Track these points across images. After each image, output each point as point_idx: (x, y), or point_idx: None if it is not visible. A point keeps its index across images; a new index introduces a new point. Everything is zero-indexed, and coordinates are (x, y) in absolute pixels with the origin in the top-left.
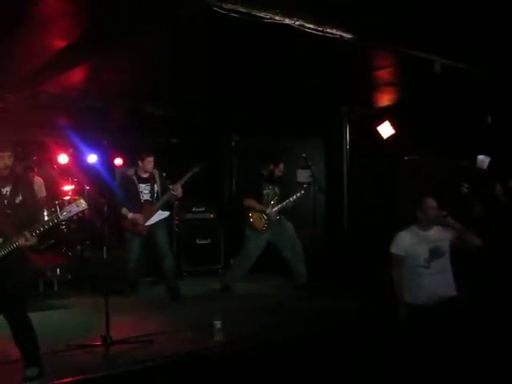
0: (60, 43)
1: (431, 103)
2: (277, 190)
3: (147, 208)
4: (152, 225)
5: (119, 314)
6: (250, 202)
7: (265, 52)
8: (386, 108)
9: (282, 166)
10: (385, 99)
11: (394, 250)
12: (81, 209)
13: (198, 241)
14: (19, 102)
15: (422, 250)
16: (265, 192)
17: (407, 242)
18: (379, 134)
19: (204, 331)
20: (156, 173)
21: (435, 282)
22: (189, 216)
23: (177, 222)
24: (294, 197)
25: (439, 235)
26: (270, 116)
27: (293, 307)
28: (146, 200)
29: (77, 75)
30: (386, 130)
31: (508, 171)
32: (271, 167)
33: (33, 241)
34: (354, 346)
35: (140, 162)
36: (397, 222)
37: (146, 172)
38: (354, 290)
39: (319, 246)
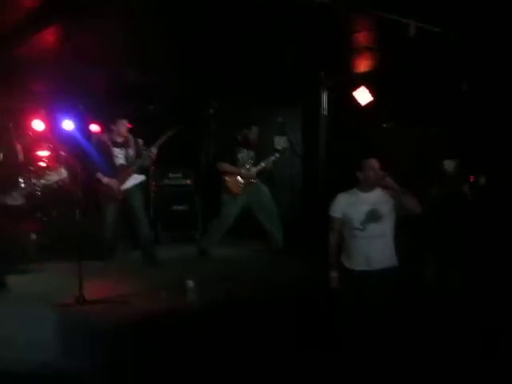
0: (31, 3)
1: (408, 69)
2: (251, 154)
3: (122, 172)
4: (127, 189)
5: (95, 277)
6: (225, 166)
7: (240, 16)
8: (364, 74)
9: (255, 129)
10: (362, 65)
11: (331, 212)
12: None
13: (174, 207)
14: None
15: (359, 212)
16: (239, 156)
17: (345, 203)
18: (357, 101)
19: (178, 292)
20: (130, 137)
21: (369, 246)
22: (165, 182)
23: (153, 188)
24: (269, 160)
25: (379, 198)
26: (248, 83)
27: (264, 272)
28: (120, 164)
29: (50, 37)
30: (363, 96)
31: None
32: (245, 131)
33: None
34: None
35: (114, 126)
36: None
37: (120, 136)
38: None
39: (296, 210)
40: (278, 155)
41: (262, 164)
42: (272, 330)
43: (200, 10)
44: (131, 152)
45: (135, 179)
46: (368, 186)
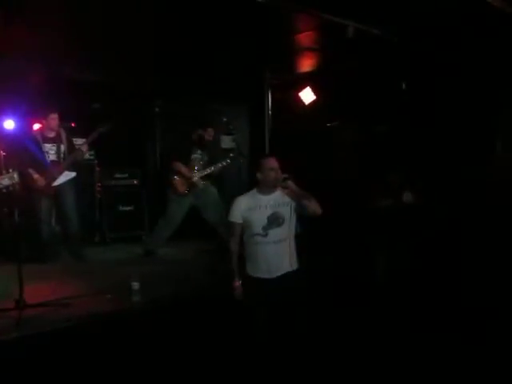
0: None
1: (350, 69)
2: (205, 155)
3: (53, 168)
4: (60, 186)
5: (36, 279)
6: (177, 166)
7: (188, 13)
8: (308, 74)
9: (211, 130)
10: (306, 65)
11: (230, 217)
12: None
13: (121, 207)
14: None
15: (260, 217)
16: (192, 157)
17: (245, 207)
18: (301, 101)
19: (122, 293)
20: (62, 132)
21: (271, 252)
22: (111, 182)
23: (99, 189)
24: (219, 165)
25: (281, 200)
26: (195, 81)
27: (208, 271)
28: (52, 160)
29: None
30: (307, 95)
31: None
32: (200, 132)
33: None
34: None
35: (44, 121)
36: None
37: (51, 131)
38: None
39: None
40: (228, 161)
41: (212, 168)
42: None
43: (146, 6)
44: (63, 148)
45: (67, 176)
46: (268, 188)
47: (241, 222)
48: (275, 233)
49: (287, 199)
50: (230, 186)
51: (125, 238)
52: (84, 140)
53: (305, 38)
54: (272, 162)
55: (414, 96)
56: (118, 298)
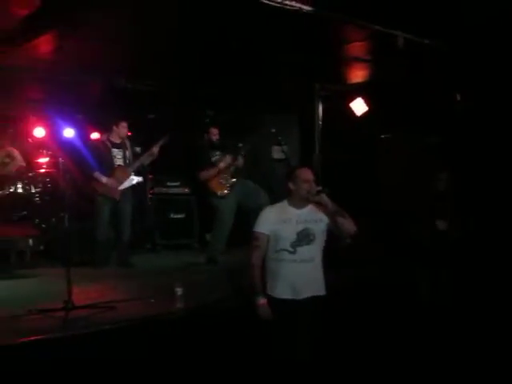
0: (22, 11)
1: (402, 80)
2: (225, 154)
3: (120, 172)
4: (123, 192)
5: (85, 282)
6: (204, 175)
7: (234, 26)
8: (359, 85)
9: (213, 130)
10: (357, 76)
11: (257, 227)
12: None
13: (172, 215)
14: None
15: (290, 231)
16: (213, 160)
17: (274, 219)
18: (353, 112)
19: (166, 299)
20: (126, 140)
21: (298, 271)
22: (163, 190)
23: (151, 196)
24: (239, 157)
25: (313, 216)
26: (245, 92)
27: None
28: (119, 165)
29: (47, 45)
30: (359, 106)
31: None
32: (205, 136)
33: None
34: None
35: (115, 127)
36: (369, 201)
37: (119, 138)
38: None
39: None
40: (248, 147)
41: (234, 162)
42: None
43: (202, 19)
44: (128, 154)
45: (132, 180)
46: (299, 201)
47: (268, 234)
48: (304, 250)
49: (320, 216)
50: (280, 195)
51: (175, 245)
52: (139, 149)
53: (355, 48)
54: (307, 174)
55: (468, 107)
56: (162, 302)
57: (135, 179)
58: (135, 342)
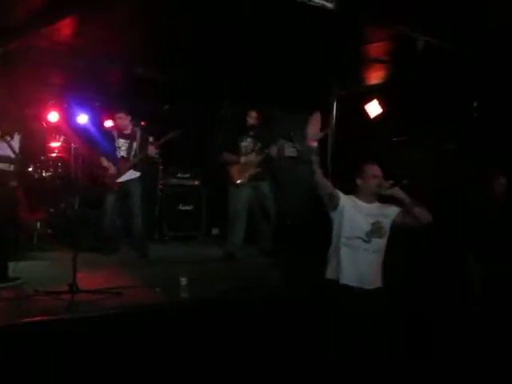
0: None
1: (420, 83)
2: (257, 142)
3: (121, 164)
4: (127, 184)
5: (92, 268)
6: (226, 156)
7: (254, 21)
8: (376, 87)
9: (253, 113)
10: (374, 77)
11: (338, 191)
12: None
13: (181, 206)
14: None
15: (364, 221)
16: (242, 145)
17: (349, 203)
18: (367, 113)
19: (172, 288)
20: (138, 130)
21: (369, 260)
22: (173, 181)
23: (161, 187)
24: (272, 148)
25: (382, 211)
26: (262, 87)
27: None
28: (121, 156)
29: (66, 30)
30: (373, 108)
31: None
32: (245, 118)
33: None
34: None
35: (115, 119)
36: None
37: (125, 128)
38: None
39: (302, 218)
40: (282, 141)
41: (266, 151)
42: (258, 335)
43: (219, 12)
44: (135, 145)
45: (131, 174)
46: (369, 196)
47: (339, 195)
48: (377, 242)
49: (387, 211)
50: (292, 192)
51: (183, 236)
52: (152, 139)
53: (373, 48)
54: (376, 169)
55: (486, 114)
56: (167, 292)
57: (134, 174)
58: (138, 329)
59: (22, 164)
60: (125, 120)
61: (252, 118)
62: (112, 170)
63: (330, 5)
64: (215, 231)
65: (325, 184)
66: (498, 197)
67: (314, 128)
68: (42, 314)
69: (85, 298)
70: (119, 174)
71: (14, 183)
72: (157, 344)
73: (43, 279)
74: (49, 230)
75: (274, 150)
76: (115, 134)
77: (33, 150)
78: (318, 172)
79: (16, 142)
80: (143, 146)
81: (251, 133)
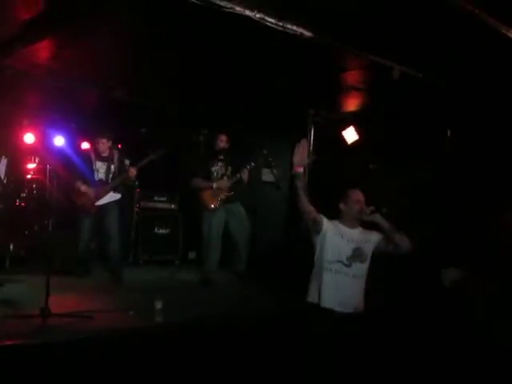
0: (24, 15)
1: (395, 111)
2: (228, 166)
3: (100, 187)
4: (104, 206)
5: (64, 291)
6: (196, 182)
7: (230, 48)
8: (352, 114)
9: (223, 137)
10: (350, 104)
11: (320, 216)
12: None
13: (156, 230)
14: None
15: (345, 246)
16: (213, 169)
17: (332, 228)
18: (344, 140)
19: (145, 312)
20: (116, 153)
21: (349, 285)
22: (149, 205)
23: (137, 210)
24: (244, 170)
25: (364, 237)
26: (239, 113)
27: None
28: (100, 179)
29: (44, 52)
30: (350, 135)
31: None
32: (213, 142)
33: None
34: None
35: (95, 142)
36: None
37: (103, 152)
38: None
39: (276, 244)
40: (253, 164)
41: (237, 176)
42: (235, 359)
43: (197, 39)
44: (113, 168)
45: (111, 197)
46: (351, 221)
47: (322, 220)
48: (358, 267)
49: (369, 237)
50: (268, 217)
51: (158, 260)
52: (128, 162)
53: (350, 76)
54: (358, 195)
55: (459, 144)
56: (141, 316)
57: (114, 196)
58: (111, 353)
59: (7, 187)
60: (105, 144)
61: (222, 141)
62: (91, 193)
63: (308, 33)
64: (192, 255)
65: (309, 210)
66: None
67: (300, 154)
68: (12, 338)
69: (56, 321)
70: (98, 197)
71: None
72: (131, 368)
73: (14, 302)
74: (21, 253)
75: (245, 174)
76: (92, 156)
77: (17, 172)
78: (303, 197)
79: (3, 164)
80: (121, 168)
81: (221, 157)
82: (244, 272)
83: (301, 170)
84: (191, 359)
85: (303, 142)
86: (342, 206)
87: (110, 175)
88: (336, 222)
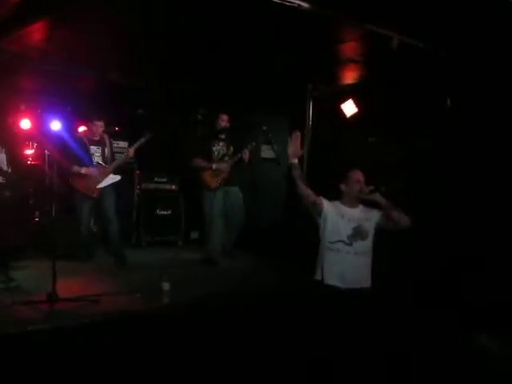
0: None
1: (394, 83)
2: (229, 145)
3: (99, 170)
4: (102, 189)
5: (70, 276)
6: (197, 162)
7: (227, 22)
8: (351, 86)
9: (225, 116)
10: (349, 77)
11: (321, 198)
12: None
13: (158, 211)
14: None
15: (346, 226)
16: (214, 149)
17: (332, 209)
18: (343, 113)
19: (152, 294)
20: (106, 137)
21: (352, 262)
22: (150, 186)
23: (138, 192)
24: (243, 153)
25: (364, 215)
26: (237, 90)
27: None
28: (97, 162)
29: (38, 35)
30: (349, 108)
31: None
32: (214, 122)
33: None
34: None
35: (90, 125)
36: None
37: (96, 135)
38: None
39: (276, 221)
40: (254, 143)
41: (238, 155)
42: (242, 338)
43: (191, 17)
44: (107, 151)
45: (112, 179)
46: (352, 201)
47: (322, 202)
48: (359, 245)
49: (370, 215)
50: (268, 194)
51: (160, 242)
52: (127, 144)
53: (348, 48)
54: (359, 175)
55: (459, 113)
56: (148, 297)
57: (114, 178)
58: (119, 336)
59: (11, 175)
60: (100, 127)
61: (223, 120)
62: (94, 173)
63: (305, 4)
64: (194, 235)
65: (307, 194)
66: None
67: (294, 146)
68: (20, 324)
69: (64, 306)
70: (98, 181)
71: (8, 193)
72: (141, 350)
73: (21, 289)
74: (25, 239)
75: (246, 154)
76: (86, 140)
77: (18, 160)
78: (300, 184)
79: (3, 154)
80: (113, 151)
81: (222, 136)
82: (230, 251)
83: (296, 160)
84: (199, 340)
85: (296, 134)
86: (342, 186)
87: (106, 158)
88: (337, 203)
